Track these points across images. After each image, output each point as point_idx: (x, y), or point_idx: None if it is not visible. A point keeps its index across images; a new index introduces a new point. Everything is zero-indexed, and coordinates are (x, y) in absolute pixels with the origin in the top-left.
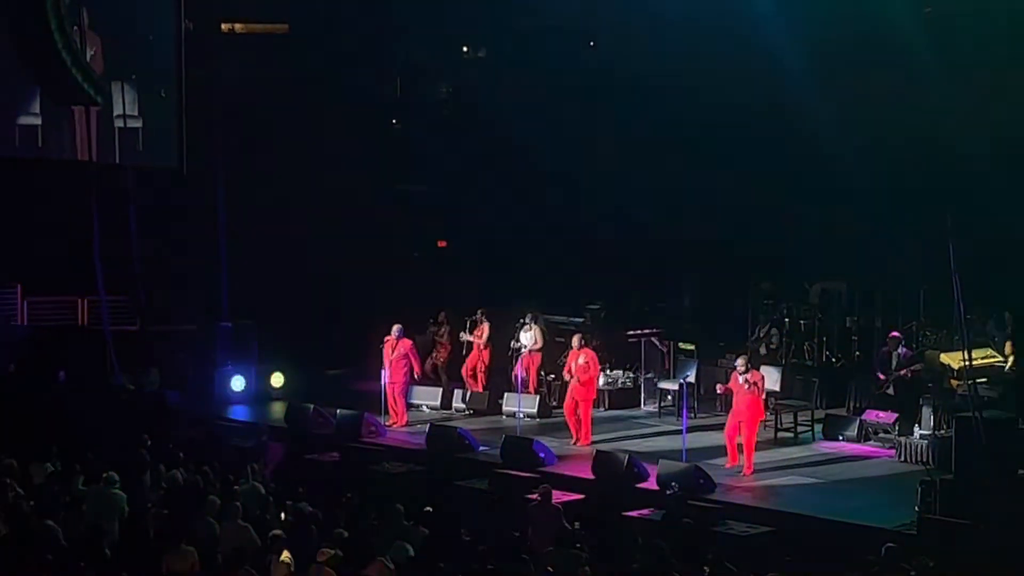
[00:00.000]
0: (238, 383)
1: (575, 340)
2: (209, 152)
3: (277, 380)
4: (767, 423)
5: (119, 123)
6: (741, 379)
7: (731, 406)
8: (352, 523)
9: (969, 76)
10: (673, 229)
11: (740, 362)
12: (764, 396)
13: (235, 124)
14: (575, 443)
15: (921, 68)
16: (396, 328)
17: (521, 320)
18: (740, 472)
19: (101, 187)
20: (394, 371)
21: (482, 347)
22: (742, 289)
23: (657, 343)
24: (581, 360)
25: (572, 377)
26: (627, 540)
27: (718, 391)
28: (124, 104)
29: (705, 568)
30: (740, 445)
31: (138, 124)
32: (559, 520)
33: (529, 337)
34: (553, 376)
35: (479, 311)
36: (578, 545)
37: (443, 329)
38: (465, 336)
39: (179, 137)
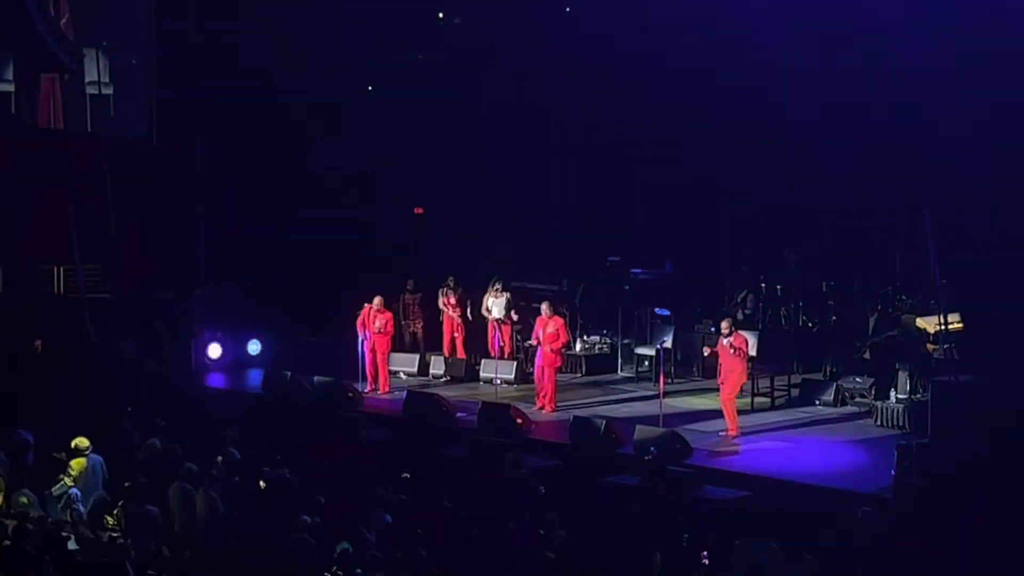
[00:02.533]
0: (215, 351)
1: (544, 307)
2: (184, 120)
3: (254, 348)
4: (744, 389)
5: (91, 90)
6: (725, 342)
7: (717, 371)
8: (330, 490)
9: None
10: (652, 193)
11: (725, 325)
12: (747, 356)
13: (211, 91)
14: (539, 409)
15: None
16: (378, 299)
17: (491, 286)
18: (724, 432)
19: (76, 154)
20: (378, 340)
21: (455, 315)
22: (719, 254)
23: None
24: (550, 328)
25: (538, 343)
26: (605, 505)
27: (704, 354)
28: (98, 72)
29: (684, 534)
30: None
31: (110, 91)
32: (531, 486)
33: (498, 306)
34: (530, 343)
35: (450, 278)
36: (552, 513)
37: (412, 295)
38: (441, 303)
39: (150, 105)
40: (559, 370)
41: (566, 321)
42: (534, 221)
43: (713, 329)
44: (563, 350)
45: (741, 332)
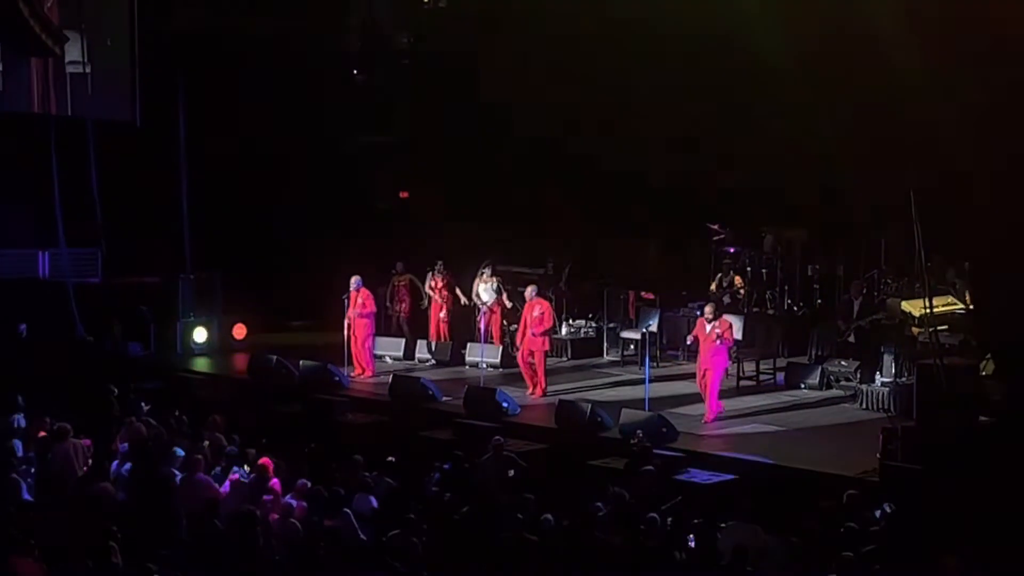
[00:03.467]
0: (200, 335)
1: (528, 291)
2: (170, 104)
3: (240, 332)
4: (729, 373)
5: (72, 68)
6: (708, 327)
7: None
8: (316, 474)
9: None
10: (636, 178)
11: (708, 309)
12: (732, 345)
13: (196, 76)
14: (530, 394)
15: None
16: (355, 279)
17: (481, 270)
18: (703, 419)
19: (62, 139)
20: (359, 322)
21: (441, 299)
22: (704, 238)
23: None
24: (536, 312)
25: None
26: (591, 489)
27: (687, 342)
28: (82, 53)
29: (668, 517)
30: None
31: (87, 71)
32: (510, 471)
33: (488, 291)
34: (516, 326)
35: (438, 262)
36: (529, 495)
37: (400, 280)
38: (426, 288)
39: (133, 89)
40: (547, 354)
41: (552, 305)
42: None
43: (698, 313)
44: (550, 334)
45: (726, 317)
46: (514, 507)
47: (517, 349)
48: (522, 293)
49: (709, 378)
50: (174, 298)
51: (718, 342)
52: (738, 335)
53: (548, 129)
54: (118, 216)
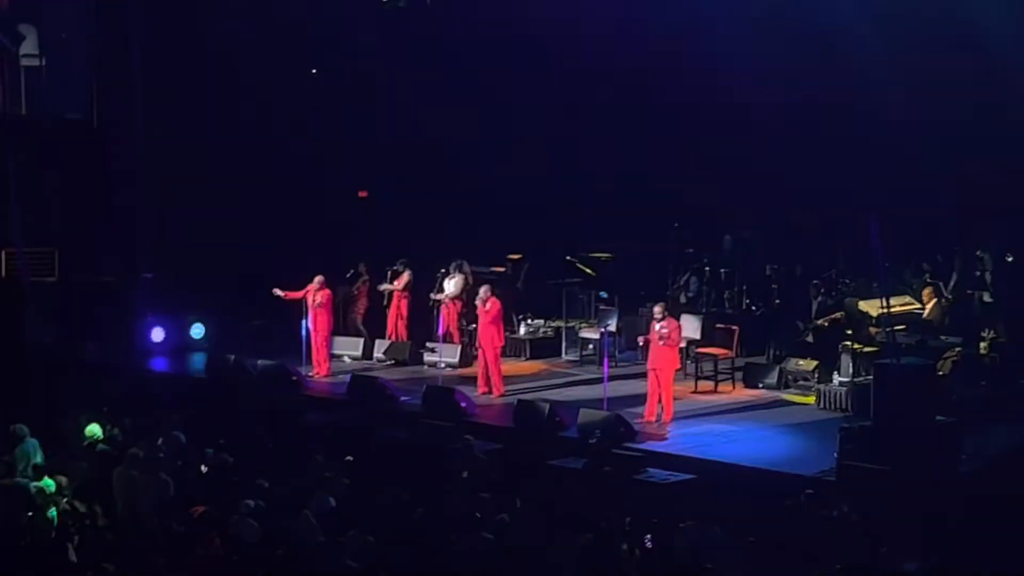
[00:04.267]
0: (158, 334)
1: (482, 291)
2: (126, 102)
3: (197, 331)
4: (687, 372)
5: (28, 63)
6: (657, 327)
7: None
8: (273, 474)
9: None
10: (597, 179)
11: (657, 309)
12: (681, 345)
13: (152, 73)
14: (484, 394)
15: None
16: (317, 279)
17: (444, 270)
18: (660, 421)
19: (18, 138)
20: (317, 321)
21: (402, 296)
22: (662, 238)
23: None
24: (487, 306)
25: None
26: (549, 489)
27: (639, 343)
28: (38, 47)
29: (626, 516)
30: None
31: (40, 64)
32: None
33: (452, 285)
34: (475, 325)
35: (400, 260)
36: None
37: (362, 280)
38: (385, 285)
39: (89, 87)
40: (503, 352)
41: (503, 304)
42: (480, 203)
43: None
44: (505, 332)
45: (674, 318)
46: (477, 507)
47: (479, 349)
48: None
49: (660, 379)
50: (132, 297)
51: (662, 343)
52: (696, 335)
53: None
54: (75, 214)
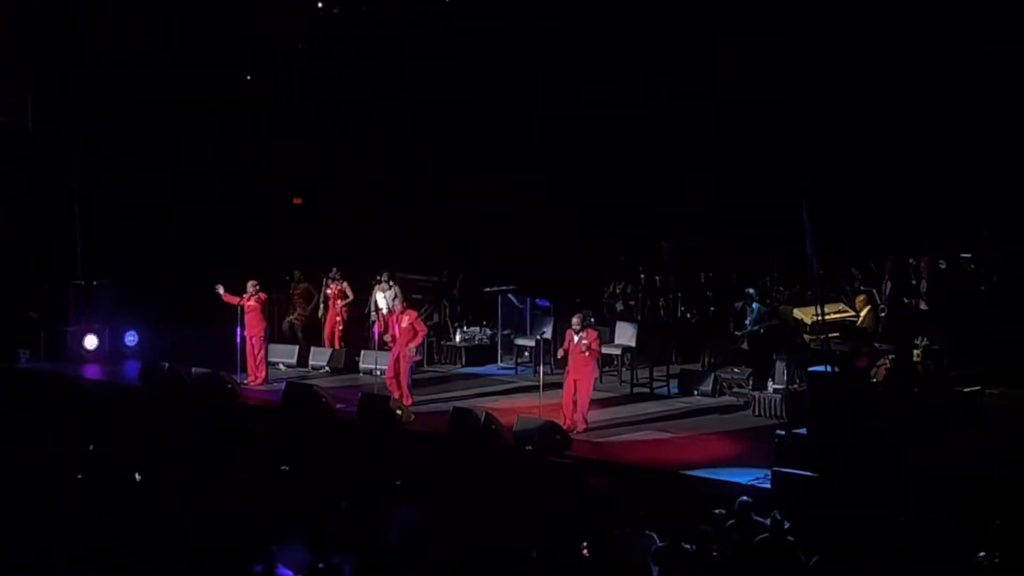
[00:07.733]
0: (91, 342)
1: (396, 304)
2: (64, 110)
3: (131, 339)
4: (623, 380)
5: None
6: (576, 338)
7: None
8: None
9: None
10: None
11: (576, 320)
12: (599, 355)
13: (93, 80)
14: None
15: None
16: (251, 284)
17: (377, 278)
18: (575, 431)
19: None
20: (251, 327)
21: (339, 305)
22: (599, 245)
23: (514, 299)
24: (405, 323)
25: (394, 340)
26: (485, 497)
27: (559, 355)
28: None
29: (564, 523)
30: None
31: None
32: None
33: (386, 298)
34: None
35: (334, 268)
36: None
37: (298, 287)
38: (322, 295)
39: (27, 95)
40: (419, 364)
41: (420, 313)
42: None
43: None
44: (418, 345)
45: (593, 329)
46: (416, 518)
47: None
48: (418, 300)
49: (579, 389)
50: (64, 304)
51: (586, 353)
52: (631, 342)
53: None
54: (6, 221)
